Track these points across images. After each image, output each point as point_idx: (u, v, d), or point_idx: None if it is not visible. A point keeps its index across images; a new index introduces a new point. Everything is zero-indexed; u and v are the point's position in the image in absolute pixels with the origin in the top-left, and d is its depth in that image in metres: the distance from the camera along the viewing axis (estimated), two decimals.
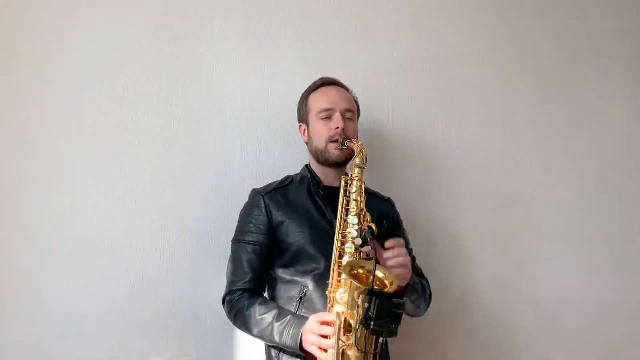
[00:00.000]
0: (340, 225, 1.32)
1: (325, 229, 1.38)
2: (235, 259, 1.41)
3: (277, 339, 1.26)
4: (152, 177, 1.65)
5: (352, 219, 1.30)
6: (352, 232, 1.29)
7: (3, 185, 1.57)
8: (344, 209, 1.33)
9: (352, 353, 1.13)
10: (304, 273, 1.35)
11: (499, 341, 1.85)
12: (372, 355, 1.13)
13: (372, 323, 1.05)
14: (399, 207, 1.60)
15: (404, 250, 1.27)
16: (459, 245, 1.86)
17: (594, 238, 1.96)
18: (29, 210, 1.57)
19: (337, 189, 1.40)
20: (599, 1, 2.11)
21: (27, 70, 1.63)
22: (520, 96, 1.98)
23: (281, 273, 1.39)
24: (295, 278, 1.36)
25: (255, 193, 1.47)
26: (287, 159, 1.69)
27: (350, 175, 1.37)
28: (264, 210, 1.42)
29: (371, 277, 1.10)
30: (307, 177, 1.49)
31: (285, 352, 1.30)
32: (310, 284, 1.33)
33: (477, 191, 1.89)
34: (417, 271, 1.46)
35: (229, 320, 1.39)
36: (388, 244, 1.26)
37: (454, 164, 1.90)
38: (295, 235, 1.38)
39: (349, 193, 1.34)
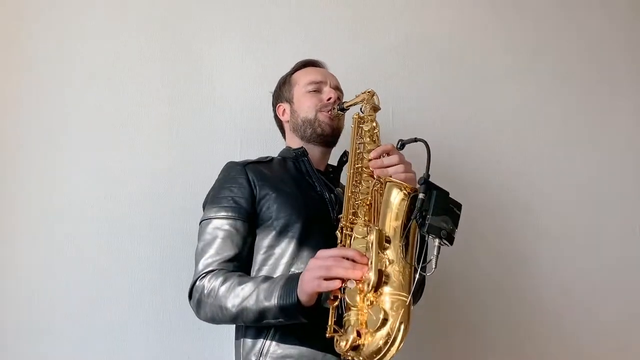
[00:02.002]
0: (353, 158, 1.15)
1: (316, 203, 1.19)
2: (207, 239, 1.13)
3: (264, 302, 0.99)
4: (152, 177, 1.65)
5: (369, 154, 1.12)
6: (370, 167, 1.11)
7: (3, 185, 1.57)
8: (356, 145, 1.17)
9: (393, 269, 0.91)
10: (292, 256, 1.12)
11: (499, 342, 1.85)
12: (417, 272, 0.92)
13: (429, 219, 0.86)
14: None
15: (401, 156, 1.11)
16: (458, 246, 1.86)
17: (593, 238, 1.96)
18: (28, 210, 1.57)
19: (323, 173, 1.31)
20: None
21: (26, 70, 1.63)
22: (519, 96, 1.99)
23: (260, 257, 1.15)
24: (277, 263, 1.12)
25: (232, 164, 1.25)
26: None
27: (361, 114, 1.23)
28: (245, 180, 1.19)
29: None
30: (291, 156, 1.30)
31: (274, 338, 1.06)
32: (301, 267, 1.09)
33: (476, 190, 1.89)
34: None
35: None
36: (373, 153, 1.11)
37: (453, 163, 1.90)
38: (282, 210, 1.15)
39: (363, 130, 1.19)
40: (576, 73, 2.06)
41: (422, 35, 1.94)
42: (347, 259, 0.93)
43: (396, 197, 0.97)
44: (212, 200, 1.20)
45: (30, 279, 1.54)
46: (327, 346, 0.96)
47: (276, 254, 1.13)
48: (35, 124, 1.61)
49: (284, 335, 1.07)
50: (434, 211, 0.87)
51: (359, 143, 1.17)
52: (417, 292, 1.24)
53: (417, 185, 0.95)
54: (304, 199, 1.18)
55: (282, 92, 1.41)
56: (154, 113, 1.68)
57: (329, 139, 1.33)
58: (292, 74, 1.41)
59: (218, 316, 1.07)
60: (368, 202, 1.05)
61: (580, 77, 2.06)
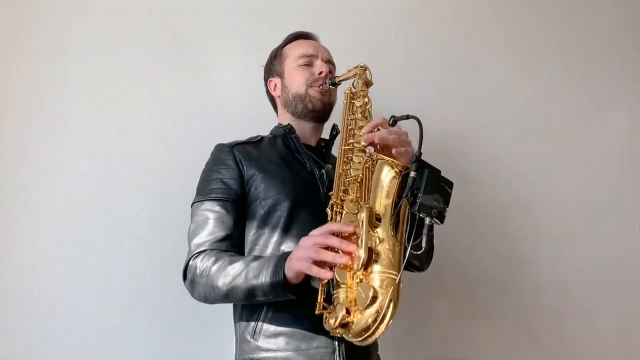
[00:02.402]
0: (345, 134, 1.14)
1: (306, 181, 1.17)
2: (198, 221, 1.14)
3: (253, 280, 1.00)
4: (153, 177, 1.65)
5: (361, 130, 1.10)
6: (363, 141, 1.08)
7: (3, 184, 1.57)
8: (347, 121, 1.15)
9: (383, 247, 0.91)
10: (283, 235, 1.11)
11: (498, 342, 1.85)
12: (407, 250, 0.90)
13: (420, 197, 0.85)
14: None
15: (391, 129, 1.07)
16: (458, 245, 1.86)
17: (593, 238, 1.96)
18: (27, 210, 1.57)
19: (315, 149, 1.29)
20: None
21: (26, 70, 1.63)
22: (519, 96, 1.99)
23: (251, 237, 1.15)
24: (267, 242, 1.13)
25: (220, 146, 1.26)
26: None
27: (353, 89, 1.21)
28: (233, 161, 1.20)
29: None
30: (280, 133, 1.29)
31: (266, 318, 1.08)
32: (291, 246, 1.09)
33: (476, 190, 1.89)
34: None
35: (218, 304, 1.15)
36: (365, 128, 1.08)
37: (453, 163, 1.90)
38: (271, 189, 1.15)
39: (354, 106, 1.17)
40: (576, 73, 2.06)
41: (422, 35, 1.94)
42: (336, 234, 0.95)
43: (387, 175, 0.96)
44: (203, 182, 1.22)
45: (30, 279, 1.54)
46: (319, 324, 0.96)
47: (266, 234, 1.13)
48: (34, 124, 1.61)
49: (276, 314, 1.08)
50: (425, 189, 0.87)
51: (351, 119, 1.16)
52: (427, 258, 1.25)
53: (410, 163, 0.94)
54: (292, 177, 1.17)
55: (273, 66, 1.37)
56: (154, 113, 1.68)
57: (320, 114, 1.31)
58: (283, 46, 1.38)
59: (210, 295, 1.08)
60: (359, 179, 1.04)
61: (580, 77, 2.06)
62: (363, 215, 0.92)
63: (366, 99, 1.18)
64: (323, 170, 1.20)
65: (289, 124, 1.29)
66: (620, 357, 1.91)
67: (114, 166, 1.63)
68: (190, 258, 1.12)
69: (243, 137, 1.68)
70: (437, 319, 1.77)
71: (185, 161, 1.66)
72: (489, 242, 1.88)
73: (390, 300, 0.87)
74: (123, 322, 1.56)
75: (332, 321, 0.90)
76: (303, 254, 0.95)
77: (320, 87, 1.28)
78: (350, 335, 0.91)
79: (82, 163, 1.62)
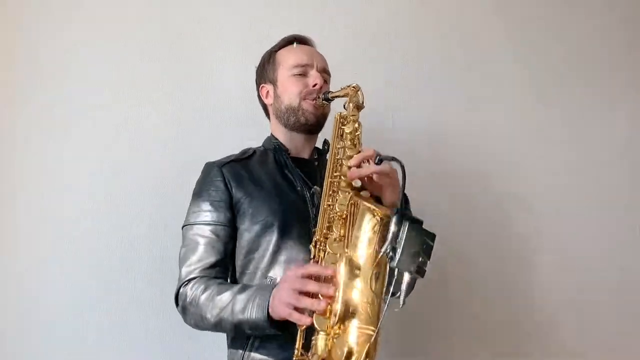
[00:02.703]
0: (332, 165, 1.09)
1: (296, 205, 1.15)
2: (189, 245, 1.15)
3: (239, 314, 1.00)
4: (153, 177, 1.65)
5: (349, 161, 1.05)
6: (348, 177, 1.04)
7: (2, 186, 1.57)
8: (335, 150, 1.11)
9: (361, 301, 0.88)
10: (271, 260, 1.11)
11: (498, 342, 1.86)
12: (385, 303, 0.87)
13: (400, 253, 0.80)
14: None
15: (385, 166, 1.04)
16: (458, 247, 1.86)
17: (593, 239, 1.96)
18: (27, 210, 1.57)
19: (307, 161, 1.26)
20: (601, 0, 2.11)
21: (27, 71, 1.63)
22: (519, 96, 1.98)
23: (241, 261, 1.15)
24: (258, 266, 1.12)
25: (210, 165, 1.23)
26: None
27: (344, 114, 1.15)
28: (222, 183, 1.17)
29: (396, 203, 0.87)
30: (272, 148, 1.27)
31: (253, 347, 1.08)
32: (279, 274, 1.08)
33: (474, 191, 1.89)
34: None
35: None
36: (353, 161, 1.04)
37: (453, 163, 1.90)
38: (260, 213, 1.13)
39: (344, 133, 1.12)
40: (576, 74, 2.05)
41: (422, 36, 1.94)
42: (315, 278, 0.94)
43: (368, 223, 0.93)
44: (193, 203, 1.21)
45: (29, 279, 1.54)
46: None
47: (255, 259, 1.13)
48: (35, 124, 1.61)
49: (263, 344, 1.08)
50: (405, 244, 0.82)
51: (339, 148, 1.12)
52: (407, 293, 1.19)
53: (392, 210, 0.90)
54: (281, 201, 1.15)
55: (265, 70, 1.32)
56: (154, 113, 1.68)
57: (313, 127, 1.28)
58: (277, 50, 1.32)
59: (201, 324, 1.10)
60: (344, 216, 1.02)
61: (580, 78, 2.05)
62: (342, 266, 0.90)
63: (356, 124, 1.13)
64: (312, 191, 1.18)
65: (278, 142, 1.27)
66: (621, 357, 1.92)
67: (113, 166, 1.63)
68: (181, 285, 1.13)
69: (244, 136, 1.68)
70: (437, 319, 1.77)
71: (185, 161, 1.66)
72: (488, 243, 1.88)
73: (365, 358, 0.86)
74: (123, 322, 1.56)
75: None
76: (284, 298, 0.94)
77: (314, 100, 1.24)
78: None
79: (82, 163, 1.62)
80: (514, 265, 1.90)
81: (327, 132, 1.34)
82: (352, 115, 1.13)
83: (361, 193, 1.05)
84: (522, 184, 1.94)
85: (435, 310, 1.77)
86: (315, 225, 1.06)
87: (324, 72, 1.29)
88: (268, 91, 1.32)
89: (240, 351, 1.11)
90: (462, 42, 1.96)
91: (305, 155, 1.29)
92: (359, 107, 1.15)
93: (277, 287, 0.99)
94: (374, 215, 0.92)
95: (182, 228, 1.20)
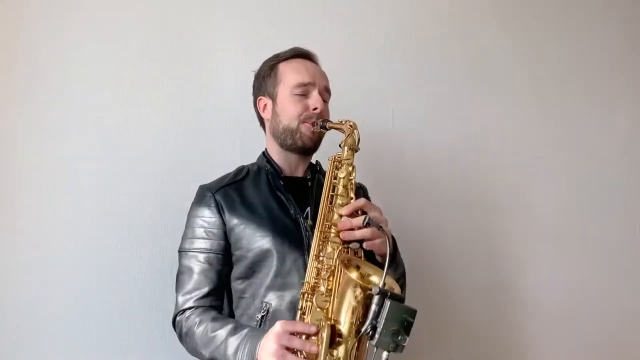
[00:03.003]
0: (323, 214, 1.08)
1: (290, 230, 1.16)
2: (184, 272, 1.18)
3: (231, 357, 1.02)
4: (153, 177, 1.65)
5: (340, 209, 1.06)
6: (339, 232, 1.05)
7: (3, 186, 1.57)
8: (328, 196, 1.10)
9: None
10: (269, 287, 1.12)
11: (498, 342, 1.86)
12: None
13: (379, 332, 0.85)
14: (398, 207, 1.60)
15: (373, 213, 1.06)
16: (457, 247, 1.87)
17: (593, 239, 1.97)
18: (28, 210, 1.57)
19: (301, 180, 1.25)
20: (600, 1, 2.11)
21: (26, 71, 1.63)
22: (519, 96, 1.99)
23: (239, 286, 1.18)
24: (256, 292, 1.14)
25: (204, 190, 1.24)
26: None
27: (338, 157, 1.15)
28: (215, 210, 1.19)
29: (380, 276, 0.90)
30: (265, 167, 1.26)
31: None
32: (274, 300, 1.11)
33: (475, 192, 1.90)
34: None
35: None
36: (344, 210, 1.05)
37: (452, 165, 1.90)
38: (254, 239, 1.14)
39: (338, 177, 1.12)
40: (575, 76, 2.06)
41: (423, 39, 1.94)
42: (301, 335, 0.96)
43: (351, 293, 0.95)
44: (188, 229, 1.23)
45: (28, 278, 1.54)
46: None
47: (253, 285, 1.15)
48: (34, 124, 1.61)
49: None
50: (386, 324, 0.85)
51: (332, 194, 1.11)
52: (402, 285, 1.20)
53: (374, 288, 0.91)
54: (275, 227, 1.16)
55: (265, 83, 1.29)
56: (154, 113, 1.68)
57: (309, 150, 1.28)
58: (279, 63, 1.28)
59: (196, 355, 1.14)
60: (332, 269, 1.02)
61: (579, 80, 2.06)
62: (324, 334, 0.92)
63: (350, 168, 1.12)
64: (305, 224, 1.18)
65: (271, 163, 1.27)
66: (622, 356, 1.93)
67: (113, 166, 1.63)
68: (177, 313, 1.18)
69: (243, 138, 1.68)
70: (436, 319, 1.77)
71: (185, 161, 1.66)
72: (487, 243, 1.90)
73: None
74: (124, 322, 1.57)
75: None
76: (271, 352, 0.95)
77: (313, 125, 1.22)
78: None
79: (81, 163, 1.62)
80: (512, 266, 1.90)
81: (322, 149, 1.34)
82: (347, 160, 1.13)
83: (351, 245, 1.05)
84: (523, 185, 1.94)
85: (433, 309, 1.77)
86: (308, 253, 1.08)
87: (325, 92, 1.28)
88: (266, 105, 1.30)
89: None
90: (462, 42, 1.97)
91: (300, 174, 1.29)
92: (353, 149, 1.14)
93: (266, 337, 0.99)
94: (356, 287, 0.94)
95: (178, 252, 1.24)
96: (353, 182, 1.12)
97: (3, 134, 1.58)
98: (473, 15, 1.99)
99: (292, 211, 1.19)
